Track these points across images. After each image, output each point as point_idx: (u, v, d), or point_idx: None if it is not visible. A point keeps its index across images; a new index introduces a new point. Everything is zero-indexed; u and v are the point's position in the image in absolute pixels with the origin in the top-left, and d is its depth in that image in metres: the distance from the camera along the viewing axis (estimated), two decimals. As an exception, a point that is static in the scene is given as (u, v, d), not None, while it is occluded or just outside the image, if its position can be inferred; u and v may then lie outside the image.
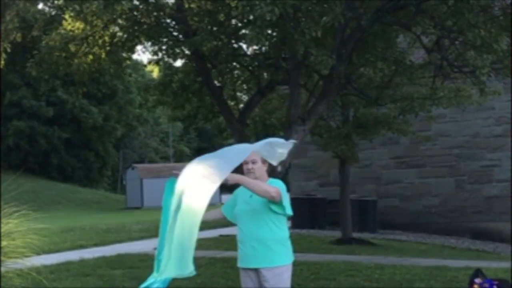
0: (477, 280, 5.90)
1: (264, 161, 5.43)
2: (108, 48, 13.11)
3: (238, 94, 16.46)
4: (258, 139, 17.67)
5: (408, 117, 16.14)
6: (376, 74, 13.32)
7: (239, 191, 5.53)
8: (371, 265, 11.75)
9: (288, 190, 5.66)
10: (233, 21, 12.63)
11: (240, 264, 5.44)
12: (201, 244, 16.03)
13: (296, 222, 19.60)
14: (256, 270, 5.31)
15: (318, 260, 12.51)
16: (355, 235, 17.09)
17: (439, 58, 11.38)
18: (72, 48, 12.75)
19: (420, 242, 17.39)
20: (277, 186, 5.23)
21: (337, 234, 17.61)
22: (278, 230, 5.32)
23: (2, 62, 11.75)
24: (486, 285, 5.66)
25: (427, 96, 14.27)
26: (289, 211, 5.28)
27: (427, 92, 14.14)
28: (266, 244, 5.25)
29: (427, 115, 15.89)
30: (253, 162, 5.37)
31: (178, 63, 15.16)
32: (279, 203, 5.20)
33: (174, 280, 10.98)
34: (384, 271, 11.06)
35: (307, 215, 19.90)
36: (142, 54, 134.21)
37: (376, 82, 13.90)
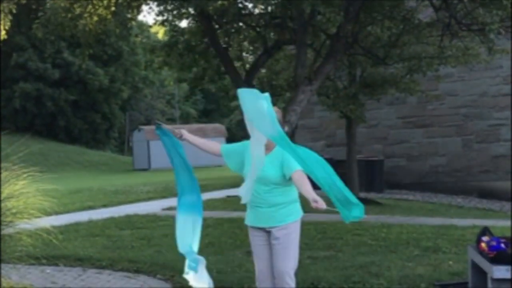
0: (485, 238, 5.91)
1: (282, 120, 5.51)
2: (113, 8, 13.02)
3: (245, 54, 16.37)
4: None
5: (415, 77, 16.07)
6: (383, 33, 13.22)
7: (248, 147, 5.44)
8: (378, 224, 11.80)
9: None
10: (239, -20, 12.52)
11: (249, 223, 5.53)
12: (209, 204, 16.22)
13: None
14: (264, 229, 5.43)
15: (325, 220, 12.56)
16: (362, 195, 17.15)
17: (447, 16, 11.27)
18: (77, 9, 12.66)
19: (427, 202, 17.44)
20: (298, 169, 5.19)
21: (344, 194, 17.66)
22: (289, 192, 5.41)
23: (8, 23, 11.68)
24: (494, 243, 5.67)
25: (434, 55, 14.19)
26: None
27: (434, 51, 14.06)
28: (278, 208, 5.37)
29: (434, 74, 15.81)
30: None
31: (184, 23, 15.05)
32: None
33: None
34: (391, 230, 11.12)
35: (314, 175, 19.93)
36: (148, 15, 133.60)
37: (384, 41, 13.80)
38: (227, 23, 13.05)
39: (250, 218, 5.52)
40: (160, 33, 51.13)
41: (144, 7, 13.77)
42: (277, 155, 5.35)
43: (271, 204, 5.35)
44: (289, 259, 5.38)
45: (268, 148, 5.35)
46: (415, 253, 9.01)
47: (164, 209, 15.34)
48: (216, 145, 5.70)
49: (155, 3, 13.32)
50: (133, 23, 14.62)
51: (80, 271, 8.37)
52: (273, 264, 5.41)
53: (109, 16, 13.13)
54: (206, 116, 74.33)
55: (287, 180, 5.29)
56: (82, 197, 18.89)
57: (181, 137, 5.57)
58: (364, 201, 15.92)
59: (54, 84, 50.87)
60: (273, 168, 5.32)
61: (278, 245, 5.35)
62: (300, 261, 5.59)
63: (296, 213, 5.46)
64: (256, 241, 5.48)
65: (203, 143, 5.66)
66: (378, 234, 10.75)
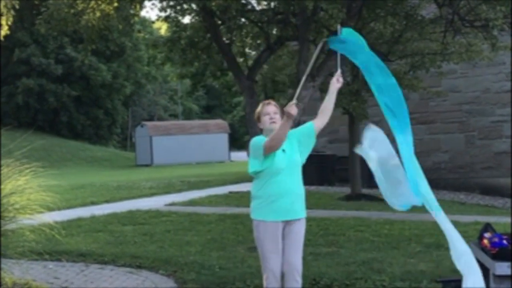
0: (487, 235, 5.91)
1: (281, 115, 5.47)
2: (116, 4, 13.00)
3: (247, 50, 16.36)
4: (266, 96, 17.61)
5: (418, 73, 16.05)
6: (386, 29, 13.20)
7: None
8: (380, 221, 11.81)
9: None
10: (242, -24, 12.50)
11: (273, 218, 5.34)
12: (211, 200, 16.24)
13: (305, 178, 19.53)
14: (286, 222, 5.39)
15: (327, 216, 12.58)
16: (364, 191, 17.14)
17: (450, 12, 11.25)
18: (80, 4, 12.65)
19: (429, 198, 17.41)
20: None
21: (346, 190, 17.68)
22: (302, 183, 5.52)
23: (11, 19, 11.67)
24: (496, 239, 5.66)
25: (437, 51, 14.18)
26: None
27: (437, 48, 14.04)
28: (301, 198, 5.46)
29: (437, 70, 15.80)
30: (275, 113, 5.52)
31: (187, 19, 15.03)
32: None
33: (184, 235, 11.10)
34: (393, 226, 11.12)
35: (316, 171, 19.95)
36: (151, 11, 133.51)
37: (387, 38, 13.78)
38: (229, 19, 13.01)
39: (274, 212, 5.36)
40: (163, 28, 51.15)
41: (147, 3, 13.75)
42: (292, 137, 5.44)
43: (298, 195, 5.42)
44: (300, 253, 5.42)
45: None
46: (417, 249, 9.01)
47: (166, 205, 15.36)
48: None
49: (158, -1, 13.31)
50: (136, 19, 14.59)
51: (82, 267, 8.38)
52: (284, 259, 5.37)
53: (112, 12, 13.11)
54: (208, 112, 74.37)
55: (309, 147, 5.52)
56: (85, 193, 18.91)
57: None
58: (366, 197, 16.05)
59: (57, 80, 50.90)
60: (294, 152, 5.43)
61: (294, 239, 5.37)
62: (302, 257, 5.58)
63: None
64: (276, 238, 5.34)
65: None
66: (380, 230, 10.75)
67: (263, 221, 5.37)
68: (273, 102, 5.64)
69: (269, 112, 5.49)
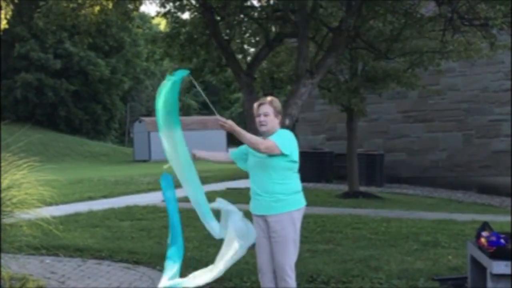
0: (484, 233, 5.91)
1: (276, 114, 5.39)
2: (114, -1, 12.99)
3: (246, 47, 16.35)
4: (265, 92, 17.59)
5: (417, 71, 16.05)
6: (385, 27, 13.19)
7: None
8: (377, 218, 11.80)
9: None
10: (242, -28, 12.49)
11: (250, 210, 5.51)
12: (209, 197, 16.07)
13: (303, 176, 19.50)
14: (264, 217, 5.37)
15: (325, 213, 12.57)
16: (362, 188, 17.15)
17: (450, 10, 11.25)
18: (79, -2, 12.66)
19: (426, 196, 17.44)
20: (272, 139, 5.22)
21: (344, 187, 17.67)
22: (287, 182, 5.34)
23: (10, 13, 11.66)
24: (493, 238, 5.66)
25: (436, 49, 14.17)
26: (295, 157, 5.37)
27: (436, 46, 14.04)
28: (274, 196, 5.29)
29: (436, 69, 15.80)
30: (265, 115, 5.34)
31: (186, 15, 15.02)
32: (282, 154, 5.22)
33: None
34: (390, 224, 11.12)
35: (314, 168, 19.95)
36: (150, 6, 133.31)
37: (386, 35, 13.78)
38: (229, 15, 13.01)
39: (251, 206, 5.51)
40: (162, 24, 51.05)
41: (146, -2, 13.74)
42: (278, 136, 5.32)
43: (268, 192, 5.30)
44: (286, 251, 5.31)
45: (271, 131, 5.32)
46: (415, 248, 9.01)
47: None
48: (226, 155, 5.81)
49: (157, -6, 13.31)
50: (135, 13, 14.56)
51: (79, 262, 8.37)
52: (273, 258, 5.36)
53: (111, 6, 13.09)
54: (206, 108, 74.20)
55: (287, 165, 5.32)
56: (82, 188, 18.89)
57: (194, 157, 5.70)
58: (364, 195, 16.06)
59: (56, 75, 50.88)
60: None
61: (275, 236, 5.31)
62: (299, 254, 5.57)
63: (293, 204, 5.36)
64: (259, 232, 5.36)
65: (213, 155, 5.84)
66: (377, 228, 10.75)
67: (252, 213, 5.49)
68: (267, 100, 5.44)
69: (260, 113, 5.37)
